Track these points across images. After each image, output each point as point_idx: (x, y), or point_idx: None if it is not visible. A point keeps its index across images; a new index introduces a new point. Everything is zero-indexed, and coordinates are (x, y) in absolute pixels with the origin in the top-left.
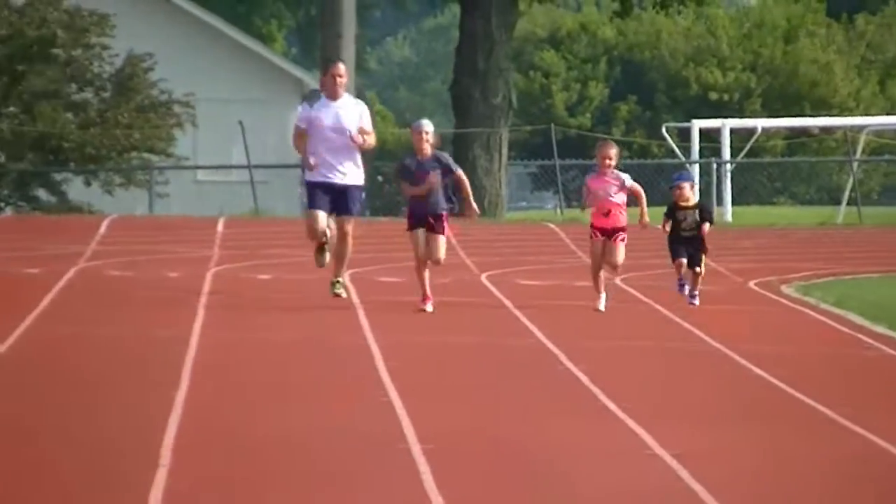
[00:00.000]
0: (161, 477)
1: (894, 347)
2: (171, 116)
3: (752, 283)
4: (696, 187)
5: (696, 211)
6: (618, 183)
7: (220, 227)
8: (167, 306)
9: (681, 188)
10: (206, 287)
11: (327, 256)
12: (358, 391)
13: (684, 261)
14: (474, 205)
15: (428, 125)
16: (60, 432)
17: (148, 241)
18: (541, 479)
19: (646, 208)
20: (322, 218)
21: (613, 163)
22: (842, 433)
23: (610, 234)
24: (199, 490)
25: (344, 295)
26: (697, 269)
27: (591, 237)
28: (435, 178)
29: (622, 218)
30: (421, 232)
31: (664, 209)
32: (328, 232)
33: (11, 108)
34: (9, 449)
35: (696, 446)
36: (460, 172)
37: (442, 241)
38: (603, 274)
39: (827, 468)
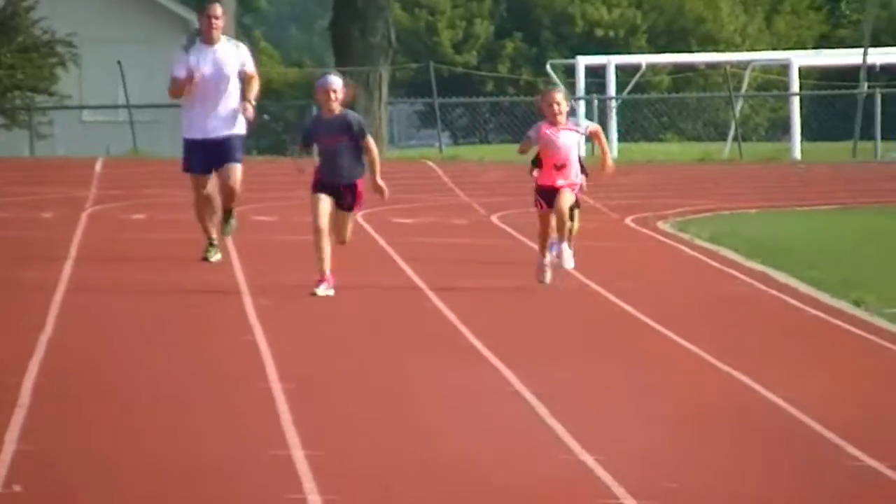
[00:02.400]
0: (19, 417)
1: (766, 283)
2: (54, 56)
3: (628, 220)
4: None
5: None
6: (576, 131)
7: (98, 167)
8: (37, 248)
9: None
10: (80, 228)
11: (215, 257)
12: (224, 331)
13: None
14: (381, 183)
15: (335, 81)
16: None
17: (23, 182)
18: (400, 418)
19: (608, 150)
20: (208, 185)
21: (564, 108)
22: (708, 369)
23: (558, 191)
24: (56, 430)
25: (217, 258)
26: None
27: (538, 205)
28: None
29: (574, 174)
30: (325, 197)
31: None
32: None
33: None
34: None
35: (559, 385)
36: (370, 141)
37: (350, 218)
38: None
39: (688, 406)
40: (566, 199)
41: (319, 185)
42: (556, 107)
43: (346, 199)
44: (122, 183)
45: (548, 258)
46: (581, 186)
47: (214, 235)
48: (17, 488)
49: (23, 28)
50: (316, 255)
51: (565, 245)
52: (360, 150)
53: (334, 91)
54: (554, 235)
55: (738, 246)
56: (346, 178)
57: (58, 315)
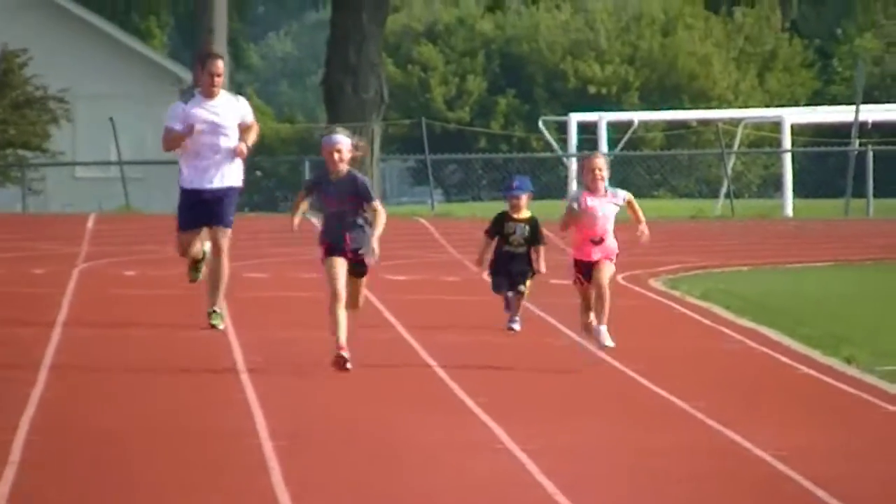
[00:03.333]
0: (10, 474)
1: (757, 340)
2: (47, 112)
3: (619, 277)
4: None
5: (527, 226)
6: (615, 201)
7: (90, 223)
8: (29, 304)
9: (519, 199)
10: (71, 284)
11: (201, 274)
12: (215, 388)
13: (509, 294)
14: (376, 247)
15: (341, 140)
16: None
17: (16, 238)
18: (390, 474)
19: (643, 218)
20: (196, 241)
21: (606, 174)
22: (697, 427)
23: (594, 264)
24: (47, 486)
25: (221, 326)
26: (521, 287)
27: (577, 283)
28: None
29: (612, 248)
30: (340, 261)
31: (545, 203)
32: (203, 251)
33: None
34: None
35: (550, 441)
36: (378, 205)
37: (362, 284)
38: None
39: (678, 463)
40: (606, 272)
41: (329, 251)
42: (597, 172)
43: (354, 265)
44: (114, 239)
45: (591, 316)
46: (616, 255)
47: (200, 257)
48: None
49: (16, 84)
50: (331, 321)
51: (603, 328)
52: (364, 213)
53: (339, 151)
54: (592, 317)
55: (729, 303)
56: (352, 246)
57: (49, 371)
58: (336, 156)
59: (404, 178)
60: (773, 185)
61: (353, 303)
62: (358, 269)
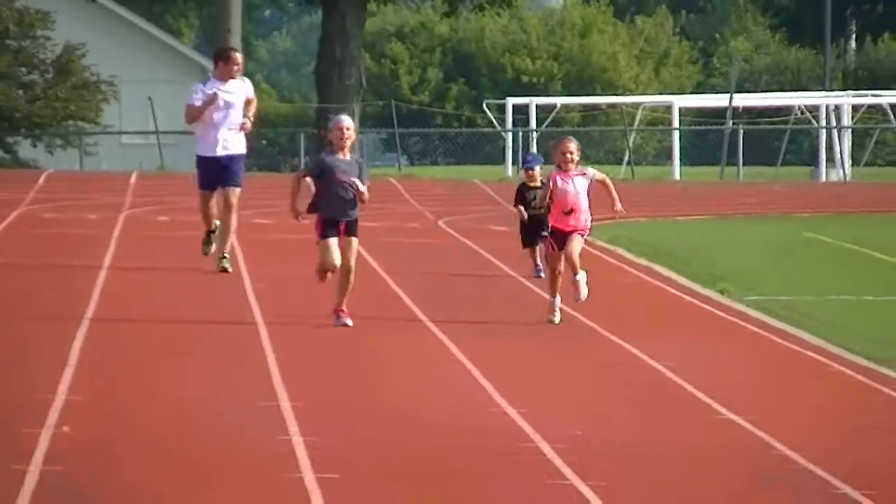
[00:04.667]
0: (68, 375)
1: (651, 275)
2: (99, 93)
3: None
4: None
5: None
6: (585, 177)
7: (132, 180)
8: (84, 241)
9: (533, 171)
10: (118, 227)
11: (212, 247)
12: (228, 307)
13: (537, 248)
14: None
15: (348, 119)
16: None
17: (75, 191)
18: (366, 377)
19: (616, 196)
20: (213, 202)
21: (576, 157)
22: (603, 341)
23: (568, 234)
24: (101, 387)
25: (230, 269)
26: (545, 233)
27: (549, 247)
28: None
29: (584, 219)
30: (334, 242)
31: (486, 168)
32: (216, 223)
33: None
34: None
35: (491, 354)
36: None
37: (356, 243)
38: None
39: (589, 370)
40: (576, 245)
41: (325, 227)
42: (568, 155)
43: (347, 229)
44: (151, 192)
45: (557, 299)
46: (589, 230)
47: (213, 228)
48: (66, 429)
49: (75, 71)
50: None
51: (580, 277)
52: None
53: (347, 129)
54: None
55: (630, 247)
56: (348, 216)
57: (102, 289)
58: (345, 133)
59: (377, 147)
60: (664, 156)
61: (346, 263)
62: (351, 231)
